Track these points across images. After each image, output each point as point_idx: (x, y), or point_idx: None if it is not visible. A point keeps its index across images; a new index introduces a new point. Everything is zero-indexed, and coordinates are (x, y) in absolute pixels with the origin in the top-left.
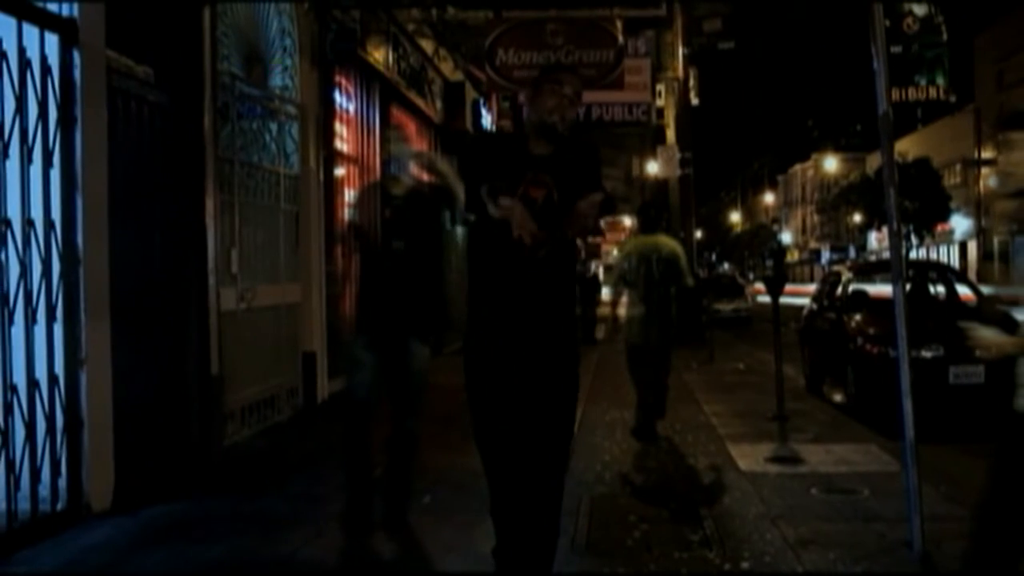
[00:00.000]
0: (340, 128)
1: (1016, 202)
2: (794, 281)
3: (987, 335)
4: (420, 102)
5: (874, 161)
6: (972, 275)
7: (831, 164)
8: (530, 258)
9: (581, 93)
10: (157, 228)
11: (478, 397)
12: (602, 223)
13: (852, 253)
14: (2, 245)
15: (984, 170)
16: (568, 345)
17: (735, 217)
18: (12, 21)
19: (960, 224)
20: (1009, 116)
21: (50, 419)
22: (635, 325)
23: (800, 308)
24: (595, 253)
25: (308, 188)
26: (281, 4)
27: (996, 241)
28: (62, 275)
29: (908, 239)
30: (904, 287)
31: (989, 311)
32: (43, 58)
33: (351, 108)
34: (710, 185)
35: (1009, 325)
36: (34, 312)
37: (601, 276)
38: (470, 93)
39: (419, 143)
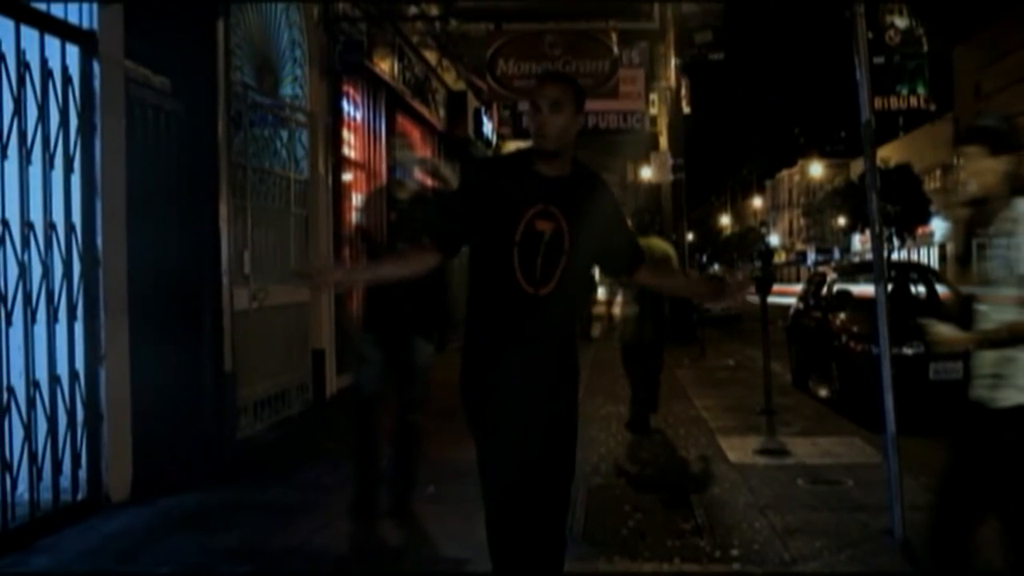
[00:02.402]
0: (348, 135)
1: (971, 210)
2: (781, 281)
3: (943, 331)
4: (424, 110)
5: (857, 167)
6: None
7: (816, 170)
8: (533, 297)
9: (572, 94)
10: (173, 231)
11: (479, 434)
12: None
13: (836, 255)
14: (25, 247)
15: (963, 175)
16: (568, 394)
17: (725, 220)
18: (35, 33)
19: (940, 227)
20: (966, 131)
21: (71, 413)
22: (629, 323)
23: (787, 307)
24: None
25: (317, 192)
26: (291, 17)
27: (975, 244)
28: (82, 276)
29: (890, 241)
30: (886, 287)
31: (948, 308)
32: (64, 68)
33: (358, 116)
34: (701, 189)
35: (965, 321)
36: (55, 311)
37: (597, 276)
38: (472, 102)
39: (423, 150)
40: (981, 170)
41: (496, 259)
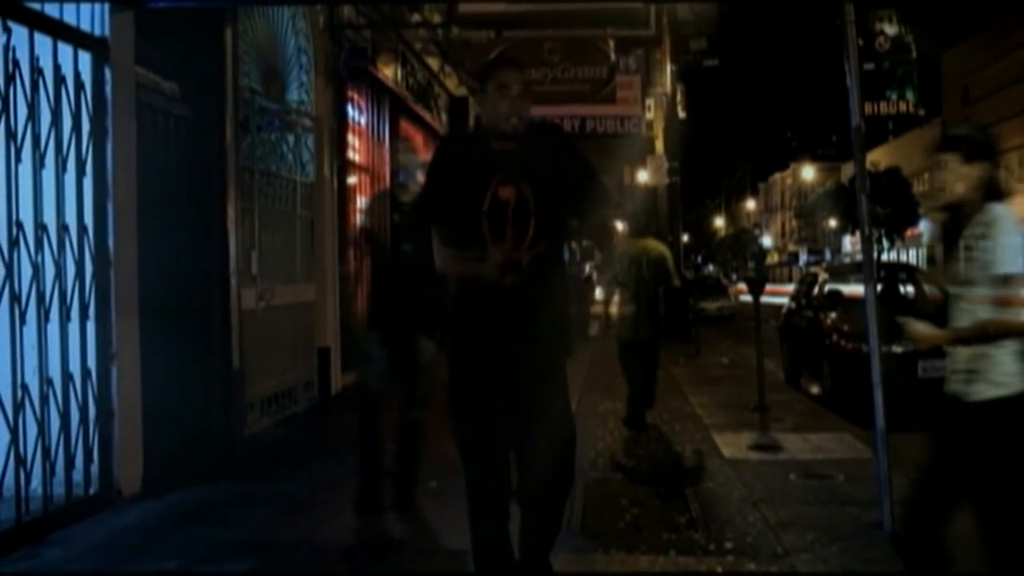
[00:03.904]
0: (352, 139)
1: (945, 214)
2: (774, 281)
3: (919, 328)
4: (427, 115)
5: (848, 170)
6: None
7: (808, 173)
8: (504, 285)
9: (526, 85)
10: (182, 232)
11: (461, 427)
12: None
13: (828, 255)
14: (38, 248)
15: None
16: (554, 371)
17: (719, 222)
18: (48, 40)
19: (928, 229)
20: (942, 139)
21: (83, 410)
22: (626, 322)
23: (780, 307)
24: (589, 255)
25: (322, 195)
26: (298, 25)
27: (961, 245)
28: (94, 276)
29: (880, 243)
30: (875, 287)
31: (923, 306)
32: (76, 74)
33: (362, 121)
34: (696, 192)
35: (941, 319)
36: (68, 310)
37: (595, 276)
38: (473, 107)
39: (426, 154)
40: (956, 176)
41: (467, 231)
